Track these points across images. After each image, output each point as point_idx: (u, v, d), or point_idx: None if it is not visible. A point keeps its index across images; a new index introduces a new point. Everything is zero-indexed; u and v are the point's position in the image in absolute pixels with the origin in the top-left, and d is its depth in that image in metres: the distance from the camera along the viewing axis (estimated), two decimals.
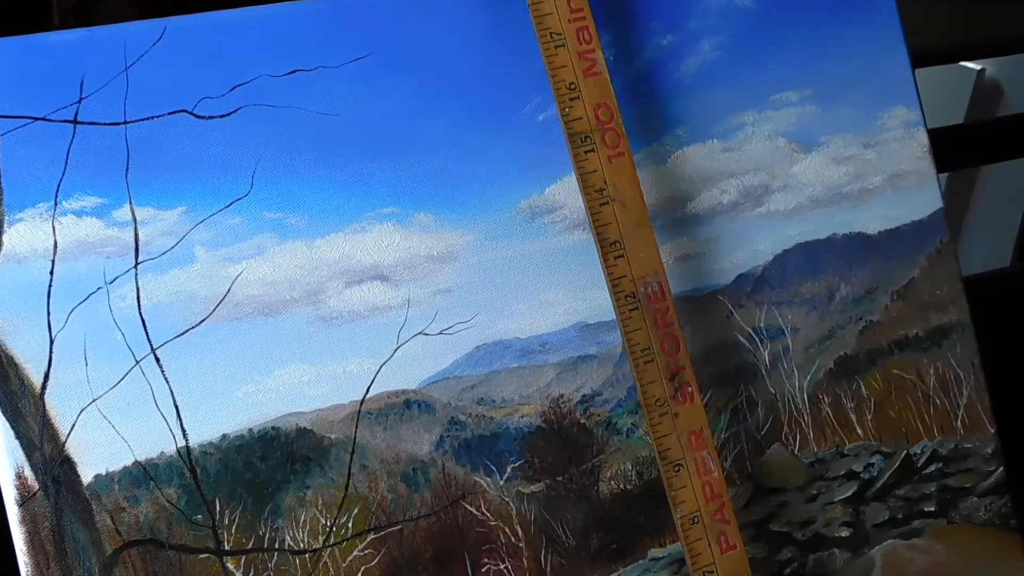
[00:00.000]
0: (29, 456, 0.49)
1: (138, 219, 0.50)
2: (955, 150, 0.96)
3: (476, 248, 0.55)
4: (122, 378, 0.50)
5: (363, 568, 0.53)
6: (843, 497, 0.60)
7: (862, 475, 0.61)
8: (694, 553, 0.53)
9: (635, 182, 0.53)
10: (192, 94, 0.51)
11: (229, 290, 0.52)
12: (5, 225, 0.49)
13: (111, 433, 0.50)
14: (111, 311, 0.50)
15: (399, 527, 0.53)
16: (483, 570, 0.55)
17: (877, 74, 0.62)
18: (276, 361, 0.52)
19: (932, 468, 0.62)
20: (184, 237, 0.51)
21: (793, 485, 0.60)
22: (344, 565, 0.52)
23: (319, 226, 0.53)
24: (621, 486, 0.57)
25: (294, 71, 0.53)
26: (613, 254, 0.52)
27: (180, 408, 0.51)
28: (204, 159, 0.51)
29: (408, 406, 0.54)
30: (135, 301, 0.50)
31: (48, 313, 0.49)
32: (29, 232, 0.49)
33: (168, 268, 0.51)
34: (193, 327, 0.51)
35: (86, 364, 0.49)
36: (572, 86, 0.53)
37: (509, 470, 0.55)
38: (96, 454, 0.49)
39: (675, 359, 0.53)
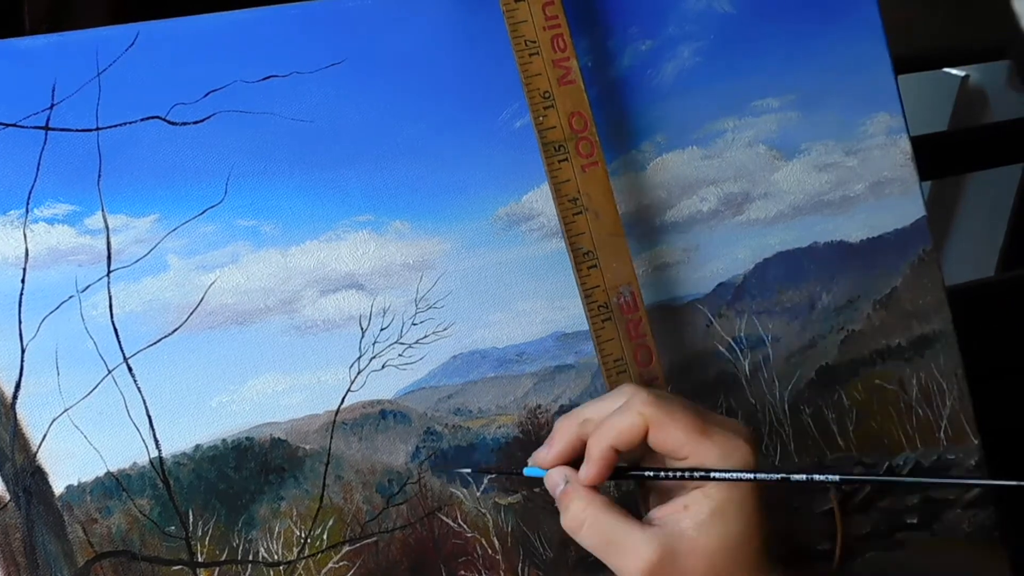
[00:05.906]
0: (0, 467, 0.48)
1: (110, 227, 0.50)
2: (939, 157, 0.96)
3: (453, 256, 0.55)
4: (94, 388, 0.49)
5: None
6: (824, 509, 0.60)
7: (844, 487, 0.60)
8: None
9: (608, 192, 0.52)
10: (165, 100, 0.51)
11: (203, 299, 0.51)
12: None
13: (83, 443, 0.49)
14: (83, 320, 0.49)
15: (374, 539, 0.53)
16: None
17: (859, 80, 0.62)
18: (250, 371, 0.52)
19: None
20: (157, 245, 0.51)
21: (774, 497, 0.59)
22: None
23: (294, 234, 0.52)
24: None
25: (269, 77, 0.52)
26: (586, 264, 0.52)
27: (153, 418, 0.50)
28: (177, 166, 0.51)
29: (384, 416, 0.54)
30: (107, 310, 0.50)
31: (19, 322, 0.49)
32: (0, 240, 0.49)
33: (141, 276, 0.50)
34: (166, 336, 0.51)
35: (58, 373, 0.49)
36: (546, 94, 0.52)
37: (486, 481, 0.55)
38: (68, 464, 0.49)
39: (648, 370, 0.52)
